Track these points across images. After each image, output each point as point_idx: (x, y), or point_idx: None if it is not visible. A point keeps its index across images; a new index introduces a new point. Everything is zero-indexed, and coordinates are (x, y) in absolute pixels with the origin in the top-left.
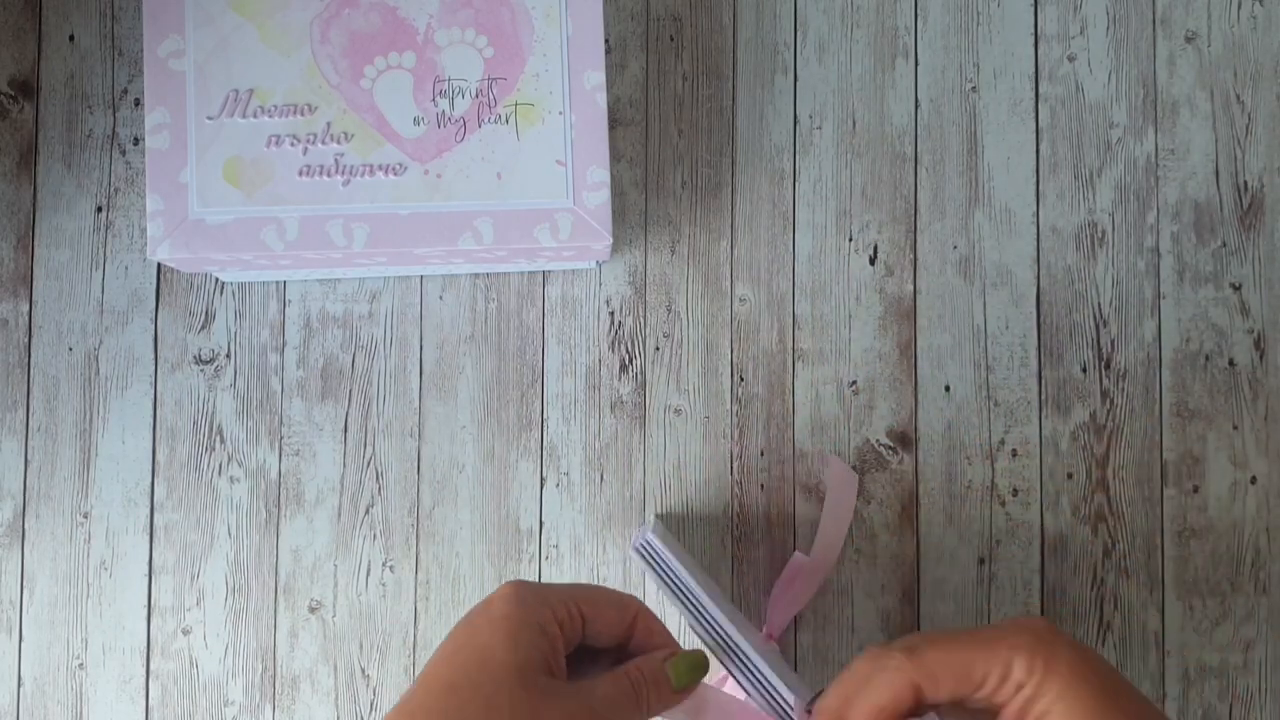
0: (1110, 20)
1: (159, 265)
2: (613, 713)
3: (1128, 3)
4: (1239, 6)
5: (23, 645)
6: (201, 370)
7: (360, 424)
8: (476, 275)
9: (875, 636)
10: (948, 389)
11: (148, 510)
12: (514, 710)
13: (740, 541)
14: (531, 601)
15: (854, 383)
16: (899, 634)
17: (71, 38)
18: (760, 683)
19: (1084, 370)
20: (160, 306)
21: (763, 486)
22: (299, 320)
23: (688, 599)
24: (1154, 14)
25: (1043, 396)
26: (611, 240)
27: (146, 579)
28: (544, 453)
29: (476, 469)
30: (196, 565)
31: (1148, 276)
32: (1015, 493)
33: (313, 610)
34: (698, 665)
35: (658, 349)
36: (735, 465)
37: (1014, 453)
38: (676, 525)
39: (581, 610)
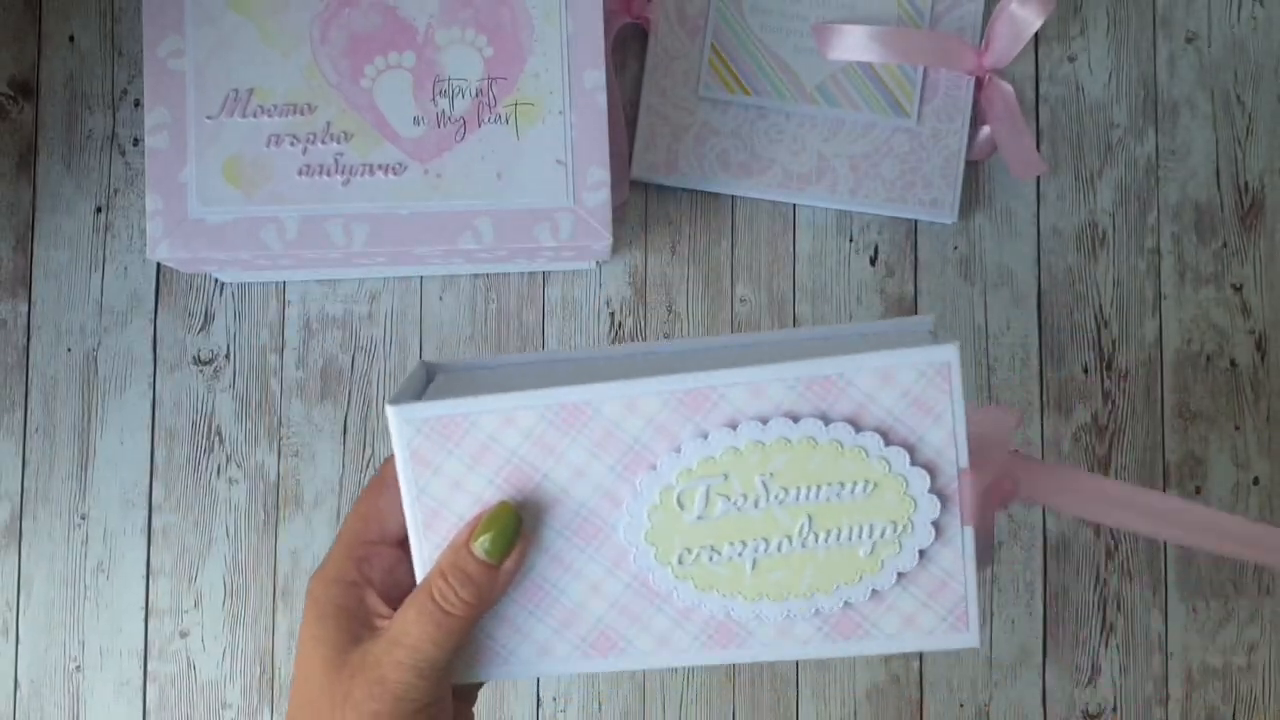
0: (1110, 21)
1: (158, 266)
2: (434, 645)
3: (1128, 3)
4: (1239, 7)
5: (19, 648)
6: (200, 371)
7: (360, 425)
8: (476, 276)
9: None
10: None
11: (146, 512)
12: (331, 706)
13: None
14: (320, 587)
15: None
16: None
17: (71, 38)
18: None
19: (1085, 371)
20: (159, 307)
21: None
22: (298, 321)
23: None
24: (1154, 15)
25: (1044, 397)
26: (611, 240)
27: (144, 581)
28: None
29: None
30: (195, 567)
31: (1149, 277)
32: None
33: None
34: (506, 519)
35: None
36: None
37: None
38: None
39: (362, 536)
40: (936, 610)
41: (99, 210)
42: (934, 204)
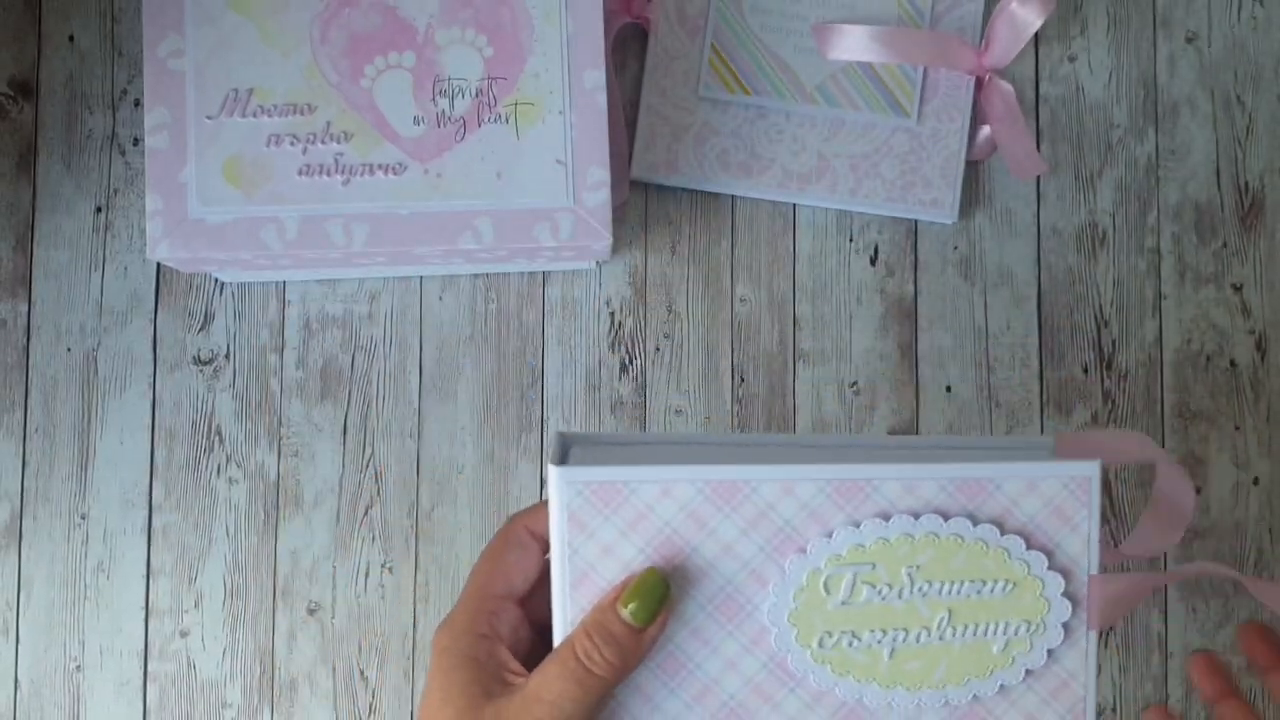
0: (1110, 21)
1: (158, 266)
2: (574, 703)
3: (1128, 3)
4: (1239, 7)
5: (19, 648)
6: (200, 371)
7: (359, 425)
8: (476, 276)
9: None
10: (949, 390)
11: (146, 512)
12: None
13: None
14: (450, 639)
15: (855, 383)
16: None
17: (71, 38)
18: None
19: (1085, 371)
20: (159, 307)
21: None
22: (298, 321)
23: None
24: (1154, 14)
25: (1044, 397)
26: (611, 240)
27: (144, 581)
28: (544, 454)
29: (476, 470)
30: (195, 567)
31: (1149, 277)
32: None
33: (311, 612)
34: (654, 586)
35: (658, 349)
36: None
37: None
38: None
39: (490, 590)
40: (1056, 708)
41: (99, 210)
42: (934, 204)
